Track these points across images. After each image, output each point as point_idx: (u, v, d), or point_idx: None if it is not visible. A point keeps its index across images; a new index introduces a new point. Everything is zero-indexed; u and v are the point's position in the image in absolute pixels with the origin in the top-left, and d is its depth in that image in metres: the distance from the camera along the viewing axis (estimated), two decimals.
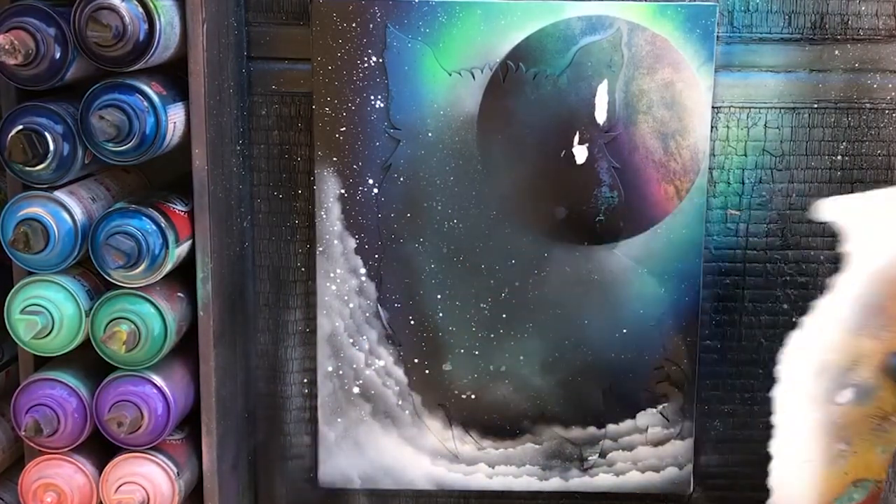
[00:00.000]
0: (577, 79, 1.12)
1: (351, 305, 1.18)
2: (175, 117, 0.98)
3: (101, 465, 1.05)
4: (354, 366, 1.19)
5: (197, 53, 0.98)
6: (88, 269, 1.02)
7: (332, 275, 1.17)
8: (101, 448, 1.06)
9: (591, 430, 1.20)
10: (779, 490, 1.01)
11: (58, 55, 0.93)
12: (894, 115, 1.15)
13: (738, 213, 1.17)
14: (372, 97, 1.13)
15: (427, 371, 1.19)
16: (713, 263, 1.18)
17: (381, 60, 1.12)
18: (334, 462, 1.21)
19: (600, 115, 1.13)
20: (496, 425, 1.20)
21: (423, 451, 1.21)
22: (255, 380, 1.21)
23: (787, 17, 1.13)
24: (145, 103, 0.95)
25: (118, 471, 1.04)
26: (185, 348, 1.07)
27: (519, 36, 1.11)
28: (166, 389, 1.02)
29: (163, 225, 0.98)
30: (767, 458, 1.24)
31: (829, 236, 1.18)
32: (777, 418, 1.00)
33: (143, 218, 0.98)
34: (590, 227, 1.15)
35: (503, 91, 1.13)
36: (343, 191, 1.15)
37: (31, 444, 1.03)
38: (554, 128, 1.13)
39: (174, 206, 1.02)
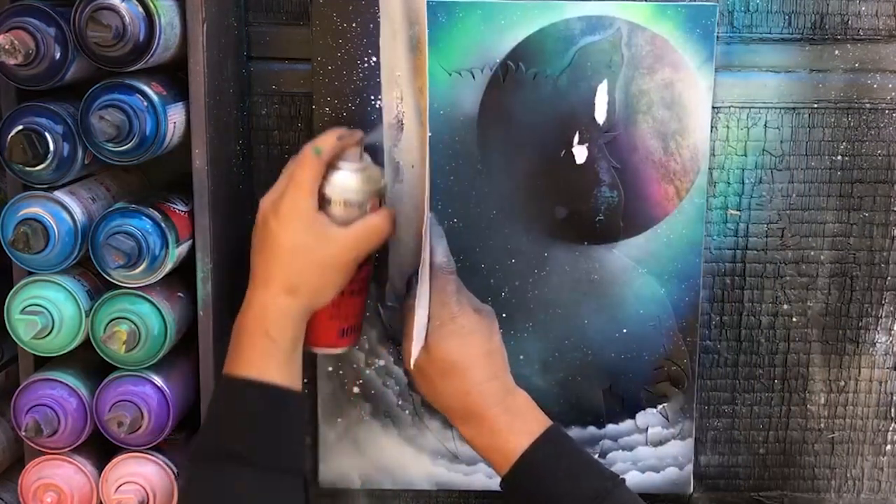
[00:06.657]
0: (577, 79, 1.12)
1: None
2: (175, 117, 0.98)
3: (101, 465, 1.05)
4: (354, 366, 1.19)
5: (197, 53, 0.98)
6: (88, 269, 1.02)
7: None
8: (101, 448, 1.06)
9: (591, 430, 1.20)
10: None
11: (58, 55, 0.93)
12: (894, 115, 1.15)
13: (738, 213, 1.17)
14: (372, 97, 1.13)
15: None
16: (713, 263, 1.18)
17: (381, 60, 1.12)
18: (334, 462, 1.21)
19: (600, 116, 1.13)
20: None
21: (423, 451, 1.20)
22: None
23: (787, 17, 1.13)
24: (145, 103, 0.95)
25: (118, 471, 1.04)
26: (185, 348, 1.06)
27: (519, 36, 1.11)
28: (166, 389, 1.02)
29: (163, 225, 0.98)
30: (767, 458, 1.24)
31: (829, 236, 1.18)
32: None
33: (143, 218, 0.98)
34: (590, 227, 1.15)
35: (503, 91, 1.12)
36: None
37: (31, 445, 1.03)
38: (554, 128, 1.13)
39: (174, 206, 1.02)
